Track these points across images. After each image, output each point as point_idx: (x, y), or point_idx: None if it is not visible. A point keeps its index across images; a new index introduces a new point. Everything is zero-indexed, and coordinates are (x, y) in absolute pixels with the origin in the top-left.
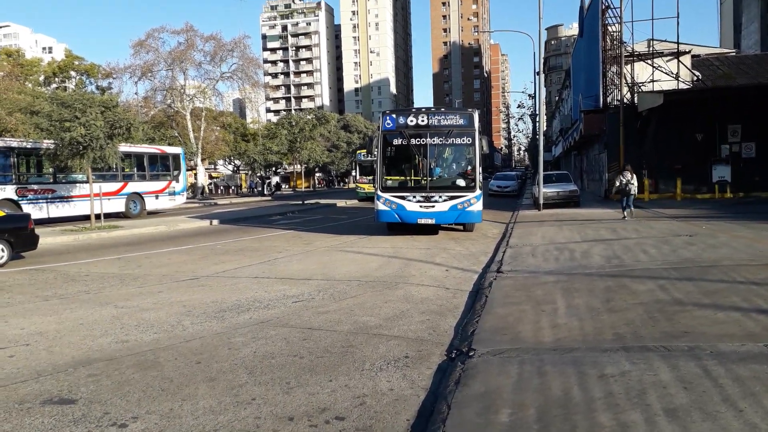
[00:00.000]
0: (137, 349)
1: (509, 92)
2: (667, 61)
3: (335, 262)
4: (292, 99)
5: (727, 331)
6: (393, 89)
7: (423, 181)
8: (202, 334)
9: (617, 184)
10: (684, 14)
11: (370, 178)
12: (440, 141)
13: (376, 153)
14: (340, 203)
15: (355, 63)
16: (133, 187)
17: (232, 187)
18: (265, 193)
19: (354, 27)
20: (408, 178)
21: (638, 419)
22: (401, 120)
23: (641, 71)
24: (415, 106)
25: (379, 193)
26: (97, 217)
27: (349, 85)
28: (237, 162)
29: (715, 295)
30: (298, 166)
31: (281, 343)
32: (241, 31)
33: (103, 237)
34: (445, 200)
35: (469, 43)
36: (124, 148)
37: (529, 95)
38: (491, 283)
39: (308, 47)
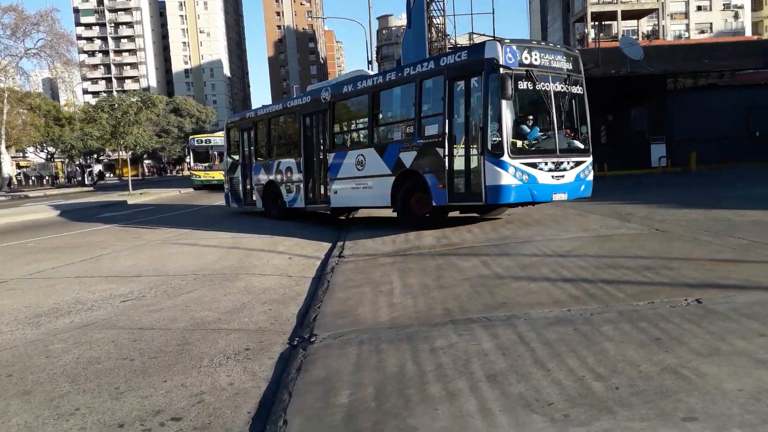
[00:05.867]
0: None
1: None
2: None
3: (169, 256)
4: (114, 80)
5: (538, 299)
6: (227, 71)
7: (551, 143)
8: (14, 344)
9: None
10: (499, 11)
11: (206, 164)
12: (563, 88)
13: (483, 98)
14: (174, 192)
15: (184, 43)
16: None
17: (47, 177)
18: (87, 182)
19: (180, 5)
20: (539, 137)
21: (464, 387)
22: (526, 56)
23: None
24: (347, 71)
25: (506, 158)
26: None
27: (178, 66)
28: (51, 149)
29: (529, 268)
30: (124, 153)
31: (108, 346)
32: (48, 4)
33: None
34: (572, 167)
35: (303, 29)
36: None
37: None
38: (333, 268)
39: (129, 24)
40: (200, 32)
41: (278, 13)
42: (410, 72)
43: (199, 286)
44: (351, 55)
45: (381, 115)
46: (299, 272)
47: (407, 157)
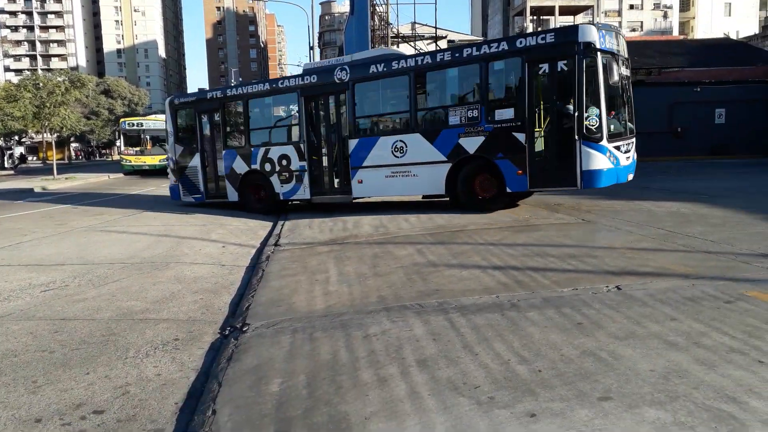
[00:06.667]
0: None
1: (286, 65)
2: (428, 44)
3: (95, 243)
4: (39, 57)
5: (469, 286)
6: (162, 53)
7: (623, 125)
8: None
9: None
10: (441, 1)
11: (138, 149)
12: (626, 71)
13: (578, 81)
14: (103, 177)
15: (117, 21)
16: None
17: None
18: (6, 166)
19: None
20: (620, 120)
21: (395, 372)
22: (611, 41)
23: (406, 52)
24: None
25: (604, 143)
26: None
27: (110, 45)
28: None
29: (462, 256)
30: (49, 135)
31: (26, 338)
32: None
33: None
34: (631, 149)
35: (243, 11)
36: None
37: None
38: (269, 257)
39: None
40: (135, 11)
41: None
42: (472, 53)
43: (127, 275)
44: (292, 40)
45: (428, 98)
46: (233, 261)
47: (470, 143)
